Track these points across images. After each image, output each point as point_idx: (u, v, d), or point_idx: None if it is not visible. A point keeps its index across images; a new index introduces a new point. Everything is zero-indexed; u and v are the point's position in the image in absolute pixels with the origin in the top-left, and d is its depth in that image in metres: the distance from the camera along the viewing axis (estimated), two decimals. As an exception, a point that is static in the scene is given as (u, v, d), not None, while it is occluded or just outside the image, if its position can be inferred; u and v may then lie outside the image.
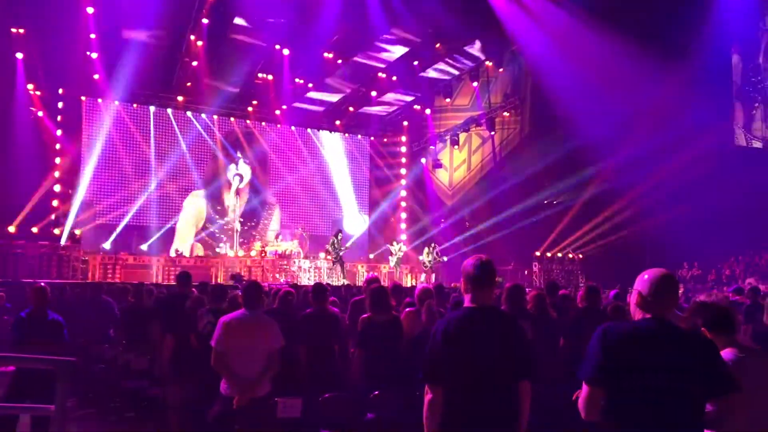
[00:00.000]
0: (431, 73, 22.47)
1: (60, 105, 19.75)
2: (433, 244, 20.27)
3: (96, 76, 19.34)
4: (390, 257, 21.17)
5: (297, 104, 23.17)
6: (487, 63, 21.63)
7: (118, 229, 20.75)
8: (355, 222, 25.51)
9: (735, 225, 20.57)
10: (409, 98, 24.10)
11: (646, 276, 2.83)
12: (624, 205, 19.71)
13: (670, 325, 2.75)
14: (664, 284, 2.77)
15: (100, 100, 20.92)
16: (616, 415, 2.67)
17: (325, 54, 19.61)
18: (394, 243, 20.11)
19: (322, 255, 22.62)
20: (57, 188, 19.27)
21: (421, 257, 20.83)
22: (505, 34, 19.25)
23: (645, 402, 2.59)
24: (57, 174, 19.30)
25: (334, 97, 23.61)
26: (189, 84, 20.98)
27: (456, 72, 22.65)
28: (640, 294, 2.81)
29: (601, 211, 20.39)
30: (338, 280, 19.01)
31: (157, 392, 6.75)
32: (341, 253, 19.23)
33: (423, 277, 19.67)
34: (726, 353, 3.18)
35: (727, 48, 19.60)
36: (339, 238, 19.26)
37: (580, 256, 22.02)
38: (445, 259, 21.42)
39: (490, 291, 3.25)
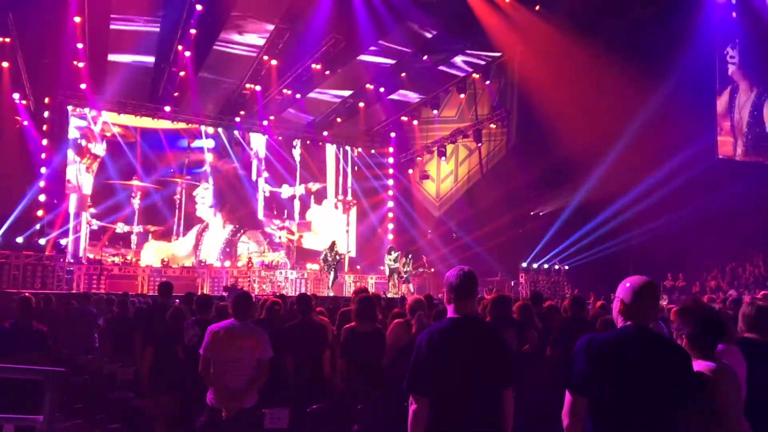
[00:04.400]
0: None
1: (46, 114, 19.65)
2: (409, 254, 19.99)
3: (83, 86, 19.30)
4: (386, 268, 20.11)
5: (284, 115, 23.18)
6: (474, 75, 21.75)
7: (104, 239, 20.64)
8: (342, 234, 25.49)
9: (719, 236, 20.79)
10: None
11: (627, 284, 2.86)
12: (609, 216, 19.82)
13: (650, 332, 2.80)
14: (645, 292, 2.81)
15: (86, 110, 20.85)
16: (598, 422, 2.70)
17: (313, 65, 19.62)
18: (392, 252, 19.81)
19: (309, 266, 22.53)
20: (42, 198, 19.12)
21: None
22: (492, 46, 19.42)
23: (626, 409, 2.63)
24: (42, 183, 19.16)
25: (321, 108, 23.64)
26: (176, 94, 20.93)
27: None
28: (622, 301, 2.84)
29: (586, 222, 20.51)
30: (328, 289, 18.93)
31: (143, 403, 6.71)
32: (335, 265, 19.06)
33: (404, 287, 19.47)
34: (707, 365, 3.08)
35: (711, 58, 19.80)
36: (333, 250, 19.10)
37: (566, 267, 22.12)
38: (432, 270, 21.40)
39: (473, 301, 3.28)
